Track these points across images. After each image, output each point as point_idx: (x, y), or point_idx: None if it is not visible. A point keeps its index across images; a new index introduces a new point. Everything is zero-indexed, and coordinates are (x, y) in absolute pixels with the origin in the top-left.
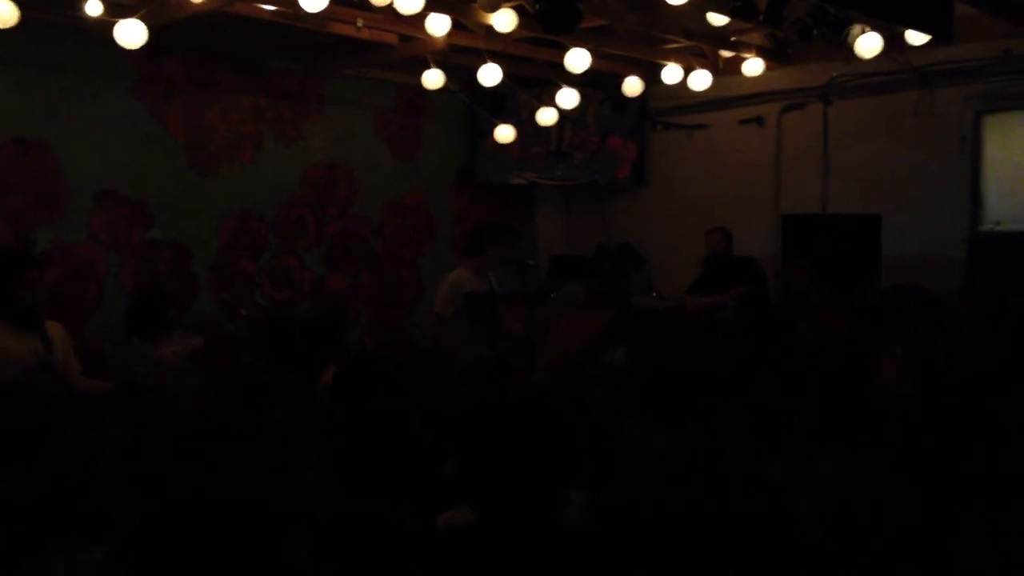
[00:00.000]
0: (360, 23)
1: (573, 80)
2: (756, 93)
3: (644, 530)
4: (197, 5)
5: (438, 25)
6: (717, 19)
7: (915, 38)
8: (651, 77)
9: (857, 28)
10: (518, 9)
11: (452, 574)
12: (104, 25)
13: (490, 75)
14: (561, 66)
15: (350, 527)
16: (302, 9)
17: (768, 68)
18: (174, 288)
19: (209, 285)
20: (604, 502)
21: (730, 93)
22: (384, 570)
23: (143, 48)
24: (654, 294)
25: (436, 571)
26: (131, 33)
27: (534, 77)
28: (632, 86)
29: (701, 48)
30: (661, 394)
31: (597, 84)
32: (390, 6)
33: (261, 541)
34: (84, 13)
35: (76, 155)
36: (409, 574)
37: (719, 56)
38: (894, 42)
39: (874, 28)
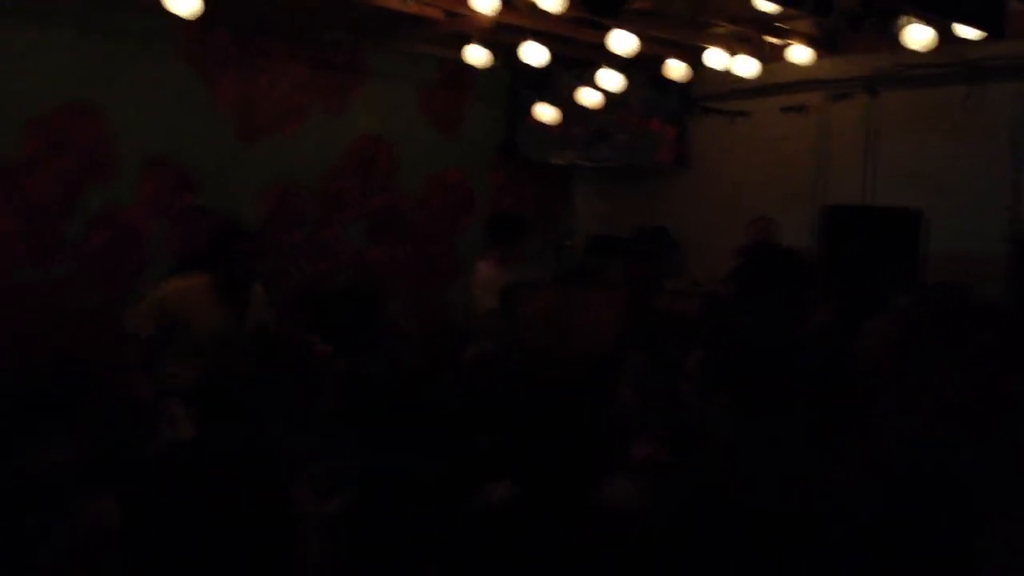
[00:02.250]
0: None
1: (616, 61)
2: (800, 81)
3: (712, 520)
4: None
5: (485, 2)
6: (764, 5)
7: (966, 32)
8: (695, 61)
9: (906, 19)
10: None
11: (490, 548)
12: None
13: (535, 54)
14: (605, 47)
15: (387, 486)
16: None
17: (814, 56)
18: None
19: None
20: (669, 488)
21: (774, 80)
22: (420, 535)
23: (194, 16)
24: (689, 280)
25: (473, 544)
26: (183, 1)
27: (577, 57)
28: (676, 70)
29: (747, 34)
30: (736, 380)
31: (640, 66)
32: None
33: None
34: None
35: (127, 120)
36: (445, 544)
37: (765, 42)
38: (944, 35)
39: (924, 20)
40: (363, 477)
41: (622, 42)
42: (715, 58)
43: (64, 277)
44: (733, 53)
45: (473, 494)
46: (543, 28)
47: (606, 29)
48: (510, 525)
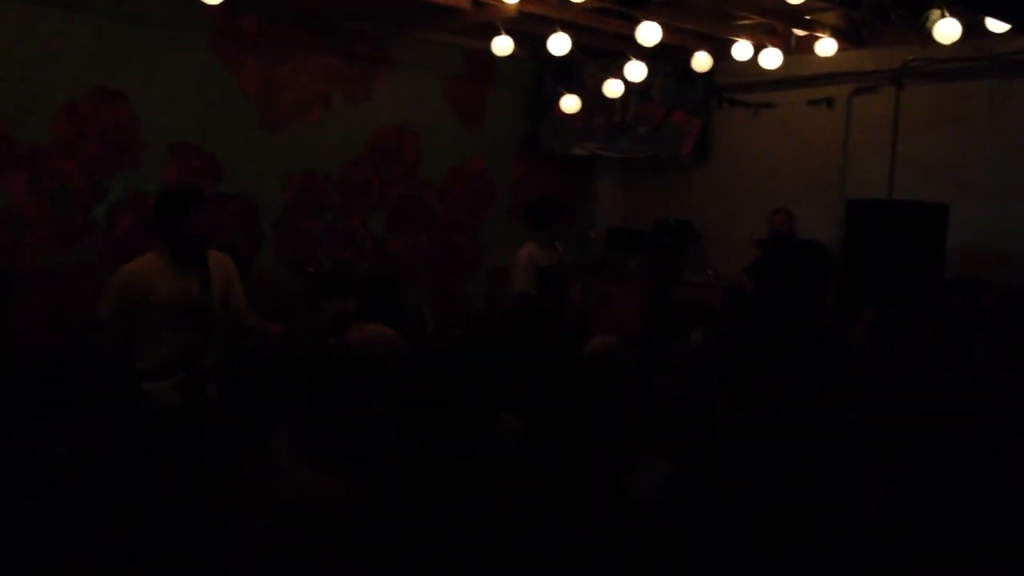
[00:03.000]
0: None
1: (641, 52)
2: (827, 74)
3: (717, 510)
4: None
5: None
6: None
7: (995, 25)
8: (720, 53)
9: (936, 12)
10: None
11: (518, 534)
12: None
13: (559, 44)
14: (629, 37)
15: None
16: None
17: (841, 49)
18: (240, 242)
19: (273, 241)
20: (678, 479)
21: (800, 73)
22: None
23: (221, 4)
24: (710, 272)
25: (498, 530)
26: None
27: (602, 48)
28: (701, 61)
29: (773, 26)
30: (744, 372)
31: (665, 57)
32: None
33: None
34: None
35: (152, 106)
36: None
37: (791, 34)
38: (973, 28)
39: (953, 13)
40: (381, 460)
41: (648, 33)
42: (741, 50)
43: (90, 261)
44: (759, 45)
45: (497, 480)
46: (569, 18)
47: (632, 20)
48: (539, 511)
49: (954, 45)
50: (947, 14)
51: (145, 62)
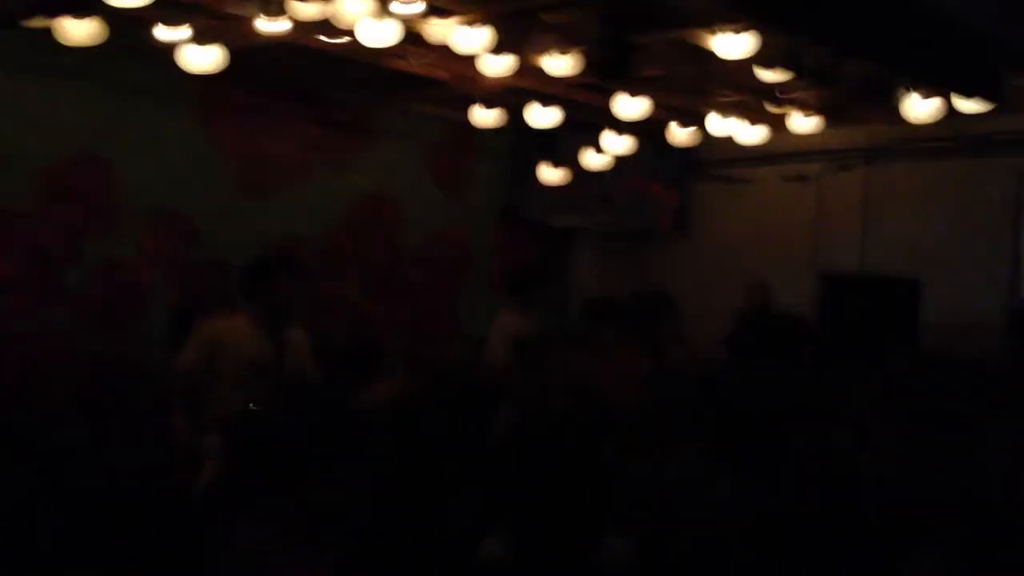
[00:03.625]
0: (420, 59)
1: (620, 126)
2: (801, 151)
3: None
4: (267, 36)
5: (495, 65)
6: (767, 75)
7: (964, 106)
8: (698, 128)
9: (908, 92)
10: (574, 54)
11: None
12: (170, 48)
13: (541, 116)
14: (610, 111)
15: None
16: (360, 44)
17: (816, 127)
18: (215, 307)
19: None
20: (661, 547)
21: (776, 149)
22: None
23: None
24: (688, 344)
25: None
26: (198, 58)
27: (583, 120)
28: (678, 135)
29: (750, 102)
30: (729, 441)
31: (644, 131)
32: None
33: None
34: (151, 36)
35: (133, 171)
36: None
37: (767, 111)
38: (943, 108)
39: (925, 94)
40: (355, 529)
41: (629, 107)
42: (718, 125)
43: (64, 328)
44: (736, 121)
45: (468, 550)
46: (550, 91)
47: (612, 94)
48: None
49: (925, 124)
50: (917, 94)
51: (128, 128)
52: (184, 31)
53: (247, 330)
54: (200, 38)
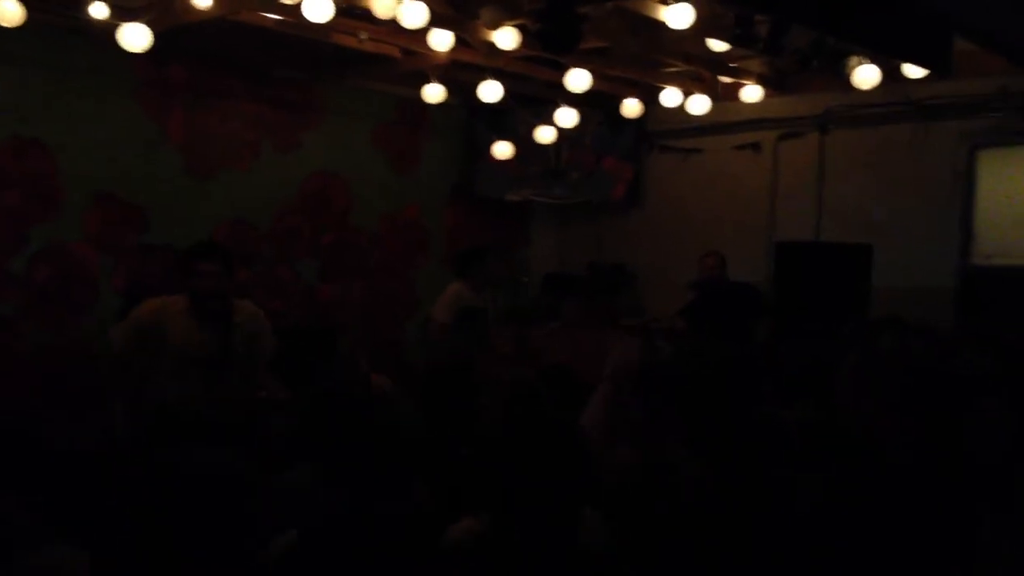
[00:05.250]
0: (363, 35)
1: (572, 99)
2: (753, 120)
3: (677, 555)
4: (202, 12)
5: (440, 40)
6: (717, 45)
7: (912, 72)
8: (649, 99)
9: (855, 59)
10: (520, 27)
11: None
12: (108, 28)
13: (491, 92)
14: (561, 85)
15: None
16: (305, 19)
17: (766, 95)
18: (166, 292)
19: None
20: (632, 524)
21: (727, 119)
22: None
23: (146, 52)
24: (649, 317)
25: None
26: (134, 37)
27: (533, 95)
28: (630, 108)
29: (700, 73)
30: (698, 417)
31: (595, 104)
32: (394, 19)
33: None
34: (88, 15)
35: (74, 156)
36: None
37: (718, 81)
38: (892, 74)
39: (872, 60)
40: (320, 514)
41: (577, 80)
42: (669, 96)
43: (7, 315)
44: (687, 92)
45: (439, 530)
46: (499, 66)
47: (562, 67)
48: (487, 562)
49: (874, 91)
50: (865, 61)
51: (66, 111)
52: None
53: (184, 316)
54: (137, 16)
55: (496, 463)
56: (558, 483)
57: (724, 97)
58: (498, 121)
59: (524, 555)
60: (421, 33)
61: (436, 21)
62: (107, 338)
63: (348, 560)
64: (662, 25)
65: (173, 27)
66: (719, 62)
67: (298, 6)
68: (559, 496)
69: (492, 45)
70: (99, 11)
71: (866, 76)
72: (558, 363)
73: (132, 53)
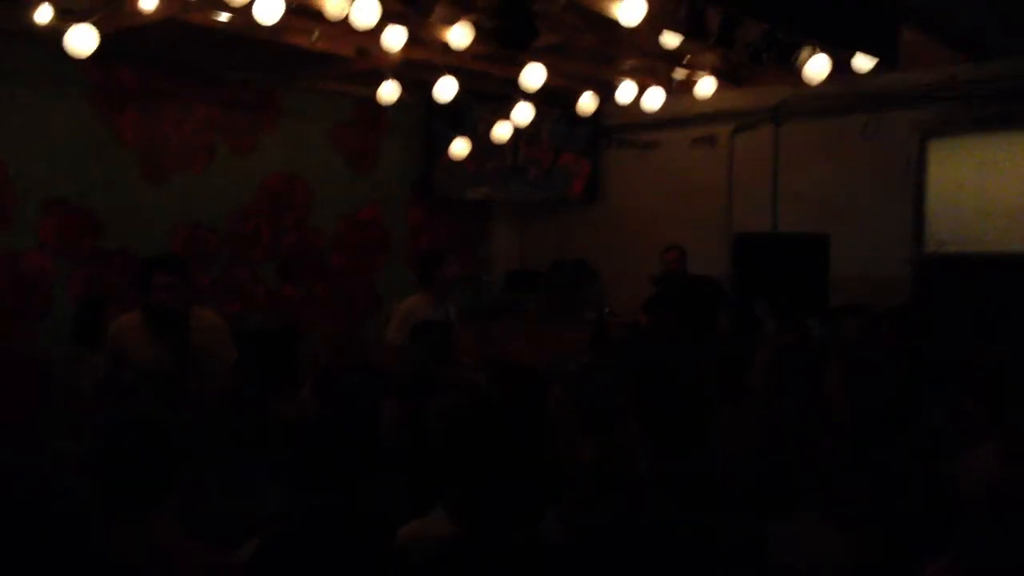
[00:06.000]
0: (315, 35)
1: (528, 96)
2: (708, 113)
3: (632, 551)
4: (150, 13)
5: (394, 39)
6: (671, 39)
7: (862, 63)
8: (605, 95)
9: (806, 52)
10: (474, 25)
11: None
12: (55, 31)
13: (446, 89)
14: (515, 81)
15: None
16: (256, 20)
17: (720, 89)
18: (124, 298)
19: None
20: (588, 520)
21: (683, 113)
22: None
23: (95, 56)
24: (607, 311)
25: None
26: (82, 40)
27: (490, 92)
28: (586, 103)
29: (654, 67)
30: (652, 412)
31: (552, 101)
32: (346, 19)
33: None
34: (34, 19)
35: (25, 162)
36: None
37: (672, 76)
38: (843, 66)
39: (822, 52)
40: (280, 518)
41: (533, 76)
42: (625, 92)
43: None
44: (642, 86)
45: (393, 530)
46: (454, 63)
47: (517, 64)
48: (449, 564)
49: (826, 83)
50: (816, 53)
51: (16, 117)
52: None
53: (138, 331)
54: (83, 18)
55: (451, 465)
56: (515, 482)
57: (679, 91)
58: (456, 119)
59: (485, 557)
60: (374, 32)
61: (388, 19)
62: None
63: (311, 562)
64: (616, 21)
65: (122, 29)
66: (673, 56)
67: (248, 7)
68: (517, 495)
69: (446, 43)
70: (44, 14)
71: (816, 68)
72: (513, 359)
73: (81, 57)
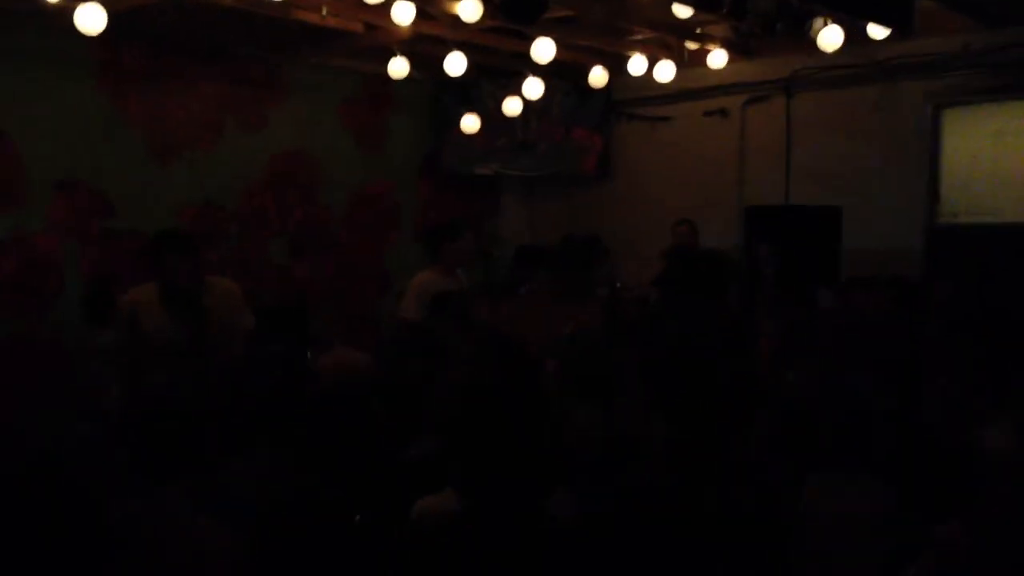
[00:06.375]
0: (325, 11)
1: (539, 71)
2: (720, 85)
3: (650, 522)
4: None
5: (403, 13)
6: (682, 11)
7: (876, 32)
8: (616, 68)
9: (819, 21)
10: None
11: (434, 562)
12: (64, 11)
13: (456, 64)
14: (527, 56)
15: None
16: None
17: (732, 60)
18: (135, 277)
19: None
20: (605, 493)
21: (695, 85)
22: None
23: (104, 35)
24: (618, 285)
25: (416, 559)
26: (91, 19)
27: (500, 67)
28: (597, 77)
29: (666, 40)
30: (664, 387)
31: (562, 75)
32: None
33: None
34: None
35: (35, 143)
36: (374, 560)
37: (684, 48)
38: (856, 35)
39: (836, 21)
40: (283, 497)
41: (543, 50)
42: (636, 64)
43: None
44: (653, 59)
45: (403, 507)
46: (463, 38)
47: (527, 38)
48: (459, 538)
49: (838, 53)
50: (829, 22)
51: (25, 98)
52: None
53: (154, 306)
54: None
55: (457, 443)
56: (516, 459)
57: (690, 63)
58: (465, 94)
59: (492, 532)
60: (383, 7)
61: None
62: (100, 340)
63: (312, 540)
64: None
65: (129, 7)
66: (684, 28)
67: None
68: (519, 472)
69: (456, 17)
70: None
71: (830, 38)
72: (517, 336)
73: (88, 36)
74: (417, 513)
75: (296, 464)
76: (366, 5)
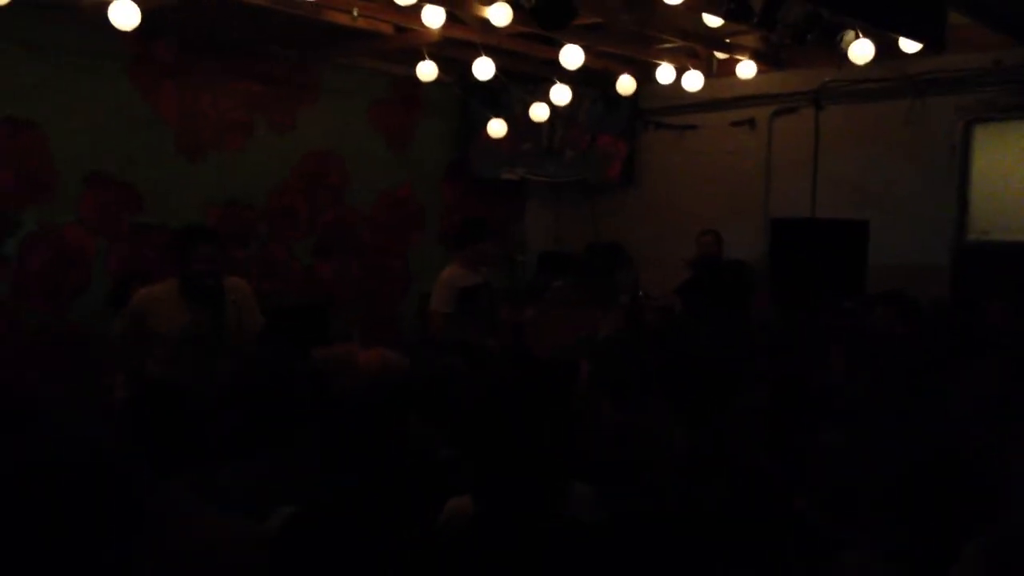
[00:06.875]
0: (356, 12)
1: (566, 77)
2: (748, 96)
3: (668, 527)
4: None
5: (433, 17)
6: (712, 20)
7: (908, 46)
8: (644, 76)
9: (851, 34)
10: (513, 3)
11: (458, 563)
12: (97, 6)
13: (484, 69)
14: (555, 62)
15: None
16: None
17: (761, 71)
18: (162, 273)
19: None
20: (625, 496)
21: (722, 95)
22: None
23: (137, 31)
24: (641, 294)
25: (443, 558)
26: (125, 14)
27: (528, 73)
28: (625, 85)
29: (695, 49)
30: (687, 389)
31: (590, 82)
32: None
33: None
34: None
35: (66, 136)
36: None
37: (712, 57)
38: (887, 49)
39: (866, 35)
40: (309, 495)
41: (571, 57)
42: (664, 73)
43: (3, 297)
44: (682, 68)
45: (432, 510)
46: (493, 43)
47: (556, 44)
48: (475, 541)
49: (870, 66)
50: (861, 35)
51: (59, 91)
52: None
53: (173, 301)
54: None
55: (477, 444)
56: (538, 460)
57: (719, 73)
58: (492, 99)
59: (502, 536)
60: (414, 9)
61: None
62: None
63: (343, 537)
64: (656, 0)
65: (163, 4)
66: (714, 38)
67: None
68: (541, 472)
69: (486, 21)
70: None
71: (861, 51)
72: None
73: (122, 32)
74: (447, 513)
75: (325, 463)
76: (397, 7)
